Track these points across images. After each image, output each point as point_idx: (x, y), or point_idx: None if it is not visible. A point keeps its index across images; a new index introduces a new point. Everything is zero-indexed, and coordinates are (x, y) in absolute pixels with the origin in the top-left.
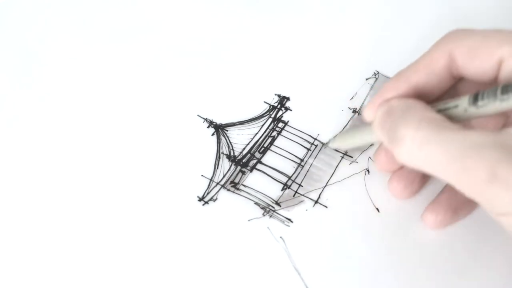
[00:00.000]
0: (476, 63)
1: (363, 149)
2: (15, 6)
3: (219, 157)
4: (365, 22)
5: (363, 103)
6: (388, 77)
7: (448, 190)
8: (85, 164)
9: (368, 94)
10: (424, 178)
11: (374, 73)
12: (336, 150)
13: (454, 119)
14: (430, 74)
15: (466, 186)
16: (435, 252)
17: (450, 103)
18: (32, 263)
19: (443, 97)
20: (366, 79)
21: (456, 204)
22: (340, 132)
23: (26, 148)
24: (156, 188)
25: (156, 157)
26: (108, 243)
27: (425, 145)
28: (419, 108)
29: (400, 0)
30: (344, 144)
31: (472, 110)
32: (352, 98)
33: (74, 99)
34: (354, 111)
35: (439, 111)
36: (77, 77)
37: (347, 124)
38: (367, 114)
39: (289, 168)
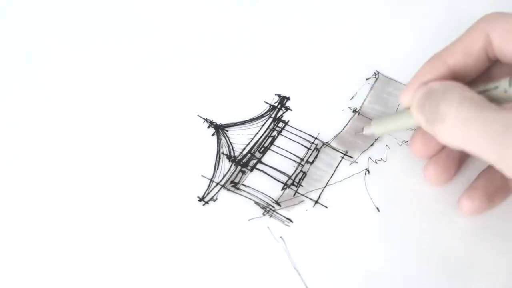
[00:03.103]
0: None
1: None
2: (15, 6)
3: (219, 157)
4: (365, 22)
5: (363, 103)
6: (388, 77)
7: (484, 176)
8: (85, 164)
9: (368, 94)
10: (459, 164)
11: (374, 73)
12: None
13: (493, 101)
14: (467, 56)
15: (507, 166)
16: (435, 252)
17: (490, 85)
18: (32, 263)
19: (478, 80)
20: (366, 79)
21: (492, 190)
22: (375, 118)
23: (26, 148)
24: (157, 188)
25: (157, 157)
26: (108, 243)
27: (467, 124)
28: (460, 88)
29: (400, 0)
30: (380, 130)
31: None
32: (352, 98)
33: (74, 99)
34: (354, 111)
35: (479, 92)
36: (77, 77)
37: (347, 124)
38: (404, 98)
39: (289, 167)
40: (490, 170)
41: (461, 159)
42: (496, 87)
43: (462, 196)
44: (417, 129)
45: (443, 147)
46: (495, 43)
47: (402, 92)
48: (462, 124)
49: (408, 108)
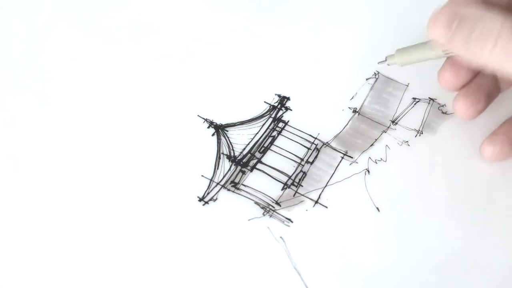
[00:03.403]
0: None
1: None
2: (15, 6)
3: (219, 158)
4: (365, 22)
5: (363, 103)
6: (388, 77)
7: (507, 123)
8: (85, 164)
9: (368, 94)
10: (489, 98)
11: (374, 73)
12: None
13: None
14: None
15: None
16: (435, 252)
17: None
18: (32, 263)
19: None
20: (366, 79)
21: None
22: (400, 48)
23: (26, 148)
24: (157, 188)
25: (157, 157)
26: (108, 243)
27: (510, 41)
28: (497, 11)
29: (400, 0)
30: (404, 59)
31: None
32: (352, 98)
33: (74, 99)
34: (354, 111)
35: None
36: (77, 77)
37: (347, 124)
38: (437, 28)
39: (289, 167)
40: None
41: (490, 93)
42: None
43: (484, 142)
44: (447, 60)
45: (472, 78)
46: None
47: (431, 18)
48: (506, 41)
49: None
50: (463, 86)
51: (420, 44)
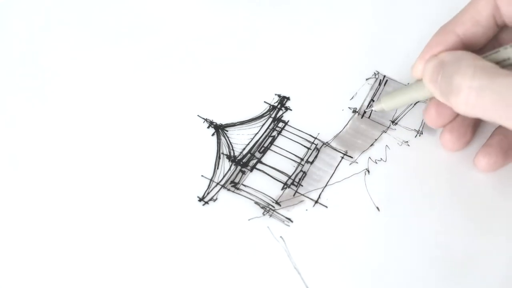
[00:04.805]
0: None
1: (408, 104)
2: (15, 6)
3: (219, 158)
4: (365, 22)
5: (363, 103)
6: (388, 77)
7: (498, 133)
8: (85, 164)
9: (368, 94)
10: (474, 129)
11: (374, 73)
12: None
13: (505, 67)
14: (476, 24)
15: None
16: (435, 252)
17: (501, 52)
18: (32, 263)
19: (486, 47)
20: (366, 79)
21: (507, 146)
22: (383, 93)
23: (26, 148)
24: (157, 188)
25: (157, 157)
26: (108, 243)
27: (482, 93)
28: (471, 57)
29: (400, 0)
30: (390, 104)
31: None
32: (352, 98)
33: (74, 99)
34: (354, 111)
35: (486, 58)
36: (76, 77)
37: (347, 124)
38: (416, 71)
39: (289, 167)
40: (503, 127)
41: (476, 124)
42: (506, 48)
43: (478, 153)
44: (431, 99)
45: (458, 115)
46: (503, 9)
47: (414, 65)
48: (477, 94)
49: (417, 80)
50: (449, 122)
51: (405, 88)
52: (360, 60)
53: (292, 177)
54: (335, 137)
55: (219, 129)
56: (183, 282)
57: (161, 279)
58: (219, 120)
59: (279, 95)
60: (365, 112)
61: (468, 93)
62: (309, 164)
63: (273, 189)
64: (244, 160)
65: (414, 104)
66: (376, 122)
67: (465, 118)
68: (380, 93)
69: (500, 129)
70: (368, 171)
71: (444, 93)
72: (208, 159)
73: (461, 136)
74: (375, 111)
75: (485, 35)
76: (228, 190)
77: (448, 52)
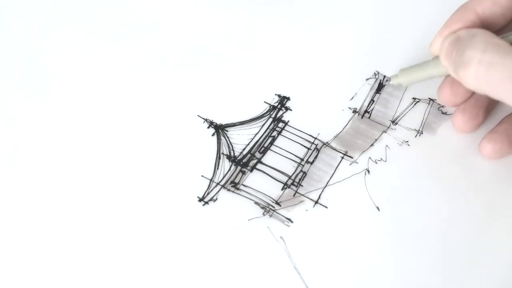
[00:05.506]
0: None
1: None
2: (15, 6)
3: (219, 158)
4: (365, 22)
5: (363, 103)
6: (388, 77)
7: (506, 121)
8: (85, 164)
9: (368, 94)
10: (487, 112)
11: (374, 73)
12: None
13: None
14: (495, 3)
15: None
16: (435, 252)
17: None
18: (32, 263)
19: (505, 29)
20: (366, 79)
21: None
22: (402, 67)
23: (26, 148)
24: (157, 189)
25: (157, 157)
26: (108, 243)
27: (491, 68)
28: (486, 34)
29: (400, 0)
30: (408, 79)
31: None
32: (352, 98)
33: (74, 99)
34: (354, 111)
35: (503, 38)
36: (77, 77)
37: (347, 124)
38: (434, 47)
39: (289, 167)
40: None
41: (488, 107)
42: None
43: (483, 139)
44: (446, 77)
45: (471, 95)
46: None
47: (432, 41)
48: (486, 69)
49: (436, 57)
50: (462, 102)
51: (423, 63)
52: (360, 60)
53: (292, 177)
54: (335, 137)
55: (219, 129)
56: (183, 282)
57: (161, 279)
58: (219, 120)
59: (279, 95)
60: (381, 87)
61: (477, 66)
62: (309, 164)
63: (273, 189)
64: (244, 160)
65: (416, 103)
66: (376, 122)
67: (477, 100)
68: (380, 94)
69: (508, 117)
70: (368, 171)
71: (456, 68)
72: (208, 159)
73: (472, 117)
74: (392, 85)
75: (504, 15)
76: (228, 190)
77: (465, 30)
